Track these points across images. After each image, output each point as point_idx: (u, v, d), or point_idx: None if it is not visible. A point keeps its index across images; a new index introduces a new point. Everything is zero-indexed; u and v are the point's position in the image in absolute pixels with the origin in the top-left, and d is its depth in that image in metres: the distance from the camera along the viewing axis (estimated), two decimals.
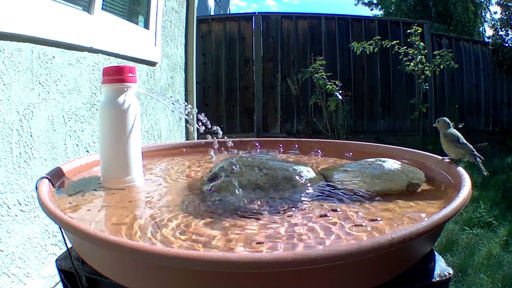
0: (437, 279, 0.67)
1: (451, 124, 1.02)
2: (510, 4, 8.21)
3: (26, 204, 1.49)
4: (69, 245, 0.72)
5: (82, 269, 0.71)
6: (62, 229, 0.67)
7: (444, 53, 5.72)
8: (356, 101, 6.37)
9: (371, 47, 5.76)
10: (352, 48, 5.95)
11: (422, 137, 5.60)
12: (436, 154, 1.02)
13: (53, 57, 1.66)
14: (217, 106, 6.51)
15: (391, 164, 0.94)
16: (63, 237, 0.70)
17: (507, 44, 7.01)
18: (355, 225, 0.67)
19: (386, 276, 0.60)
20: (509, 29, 7.77)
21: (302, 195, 0.82)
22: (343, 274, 0.55)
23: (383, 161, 0.95)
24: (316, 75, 5.52)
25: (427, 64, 5.60)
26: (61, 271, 0.74)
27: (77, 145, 1.81)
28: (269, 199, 0.79)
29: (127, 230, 0.66)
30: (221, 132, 0.91)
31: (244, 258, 0.50)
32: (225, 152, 0.96)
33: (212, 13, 10.27)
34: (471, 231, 2.75)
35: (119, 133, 0.90)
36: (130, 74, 0.90)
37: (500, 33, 7.92)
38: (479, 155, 0.96)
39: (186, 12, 3.25)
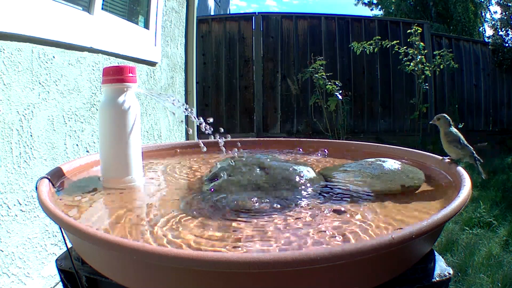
0: (437, 279, 0.67)
1: (451, 121, 1.02)
2: (510, 4, 8.21)
3: (26, 204, 1.49)
4: (69, 245, 0.72)
5: (82, 269, 0.71)
6: (62, 229, 0.67)
7: (444, 53, 5.72)
8: (356, 101, 6.37)
9: (371, 47, 5.76)
10: (352, 48, 5.95)
11: (422, 137, 5.60)
12: (436, 154, 1.02)
13: (53, 57, 1.66)
14: (217, 106, 6.51)
15: (391, 164, 0.94)
16: (63, 237, 0.70)
17: (507, 44, 7.01)
18: (355, 225, 0.67)
19: (386, 276, 0.60)
20: (509, 29, 7.77)
21: (302, 195, 0.82)
22: (343, 274, 0.55)
23: (383, 161, 0.95)
24: (316, 75, 5.52)
25: (427, 64, 5.61)
26: (61, 271, 0.74)
27: (77, 145, 1.81)
28: (269, 199, 0.79)
29: (127, 230, 0.66)
30: (228, 136, 0.91)
31: (244, 258, 0.50)
32: (225, 152, 0.97)
33: (212, 13, 10.28)
34: (471, 231, 2.75)
35: (119, 133, 0.90)
36: (130, 74, 0.90)
37: (500, 33, 7.93)
38: (478, 157, 0.96)
39: (186, 12, 3.25)
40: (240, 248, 0.60)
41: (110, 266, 0.62)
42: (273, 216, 0.72)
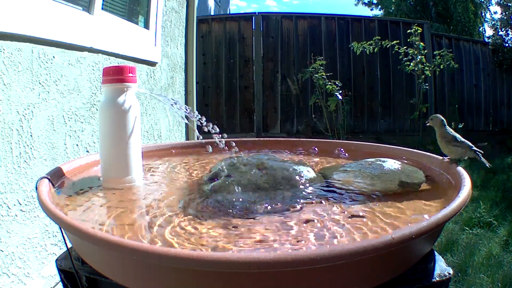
0: (437, 279, 0.67)
1: (445, 121, 1.01)
2: (510, 4, 8.21)
3: (26, 204, 1.49)
4: (69, 245, 0.72)
5: (82, 269, 0.71)
6: (62, 229, 0.67)
7: (444, 53, 5.72)
8: (356, 101, 6.37)
9: (371, 47, 5.76)
10: (352, 48, 5.95)
11: (422, 137, 5.60)
12: (436, 154, 1.02)
13: (53, 57, 1.65)
14: (217, 106, 6.51)
15: (391, 164, 0.94)
16: (63, 237, 0.70)
17: (507, 44, 7.01)
18: (355, 225, 0.67)
19: (386, 276, 0.60)
20: (509, 29, 7.77)
21: (302, 195, 0.82)
22: (343, 274, 0.55)
23: (383, 161, 0.95)
24: (316, 75, 5.52)
25: (427, 64, 5.61)
26: (61, 271, 0.74)
27: (77, 145, 1.81)
28: (269, 199, 0.79)
29: (127, 230, 0.66)
30: (225, 135, 0.91)
31: (244, 258, 0.50)
32: (225, 152, 0.97)
33: (212, 13, 10.27)
34: (471, 231, 2.75)
35: (119, 133, 0.90)
36: (130, 74, 0.90)
37: (500, 33, 7.93)
38: (478, 150, 0.95)
39: (186, 12, 3.25)
40: (240, 248, 0.60)
41: (110, 266, 0.62)
42: (272, 216, 0.72)
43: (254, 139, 1.35)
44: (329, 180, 0.91)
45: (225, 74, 6.51)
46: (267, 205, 0.76)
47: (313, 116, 6.28)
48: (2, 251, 1.38)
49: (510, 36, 7.62)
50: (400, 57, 5.66)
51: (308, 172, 0.91)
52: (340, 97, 5.35)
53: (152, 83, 2.64)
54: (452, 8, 10.62)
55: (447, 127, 1.00)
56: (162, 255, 0.51)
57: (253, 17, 6.56)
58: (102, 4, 2.07)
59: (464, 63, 6.63)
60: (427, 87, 5.65)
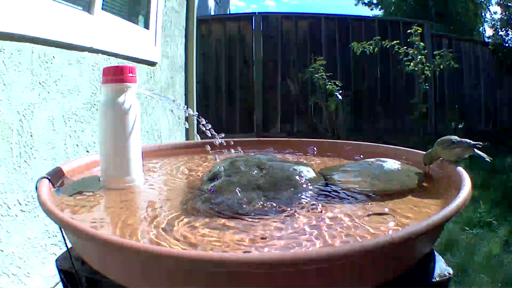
0: (437, 279, 0.67)
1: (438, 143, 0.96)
2: (510, 4, 8.20)
3: (26, 204, 1.49)
4: (69, 245, 0.72)
5: (82, 269, 0.71)
6: (62, 229, 0.67)
7: (445, 53, 5.71)
8: (356, 101, 6.36)
9: (371, 47, 5.76)
10: (352, 48, 5.94)
11: (422, 137, 5.60)
12: None
13: (53, 57, 1.65)
14: (217, 106, 6.50)
15: (391, 164, 0.94)
16: (63, 237, 0.70)
17: (507, 44, 7.01)
18: (355, 225, 0.67)
19: (386, 276, 0.60)
20: (509, 29, 7.77)
21: (302, 195, 0.82)
22: (343, 274, 0.55)
23: (383, 161, 0.95)
24: (316, 75, 5.52)
25: (427, 64, 5.60)
26: (61, 271, 0.74)
27: (77, 145, 1.81)
28: (269, 199, 0.79)
29: (127, 230, 0.66)
30: (222, 135, 0.91)
31: (244, 258, 0.50)
32: (225, 152, 0.97)
33: (212, 13, 10.26)
34: (471, 231, 2.75)
35: (119, 133, 0.90)
36: (130, 74, 0.90)
37: (500, 33, 7.92)
38: (476, 142, 0.91)
39: (186, 12, 3.25)
40: (240, 249, 0.60)
41: (110, 266, 0.62)
42: (272, 216, 0.72)
43: (254, 139, 1.35)
44: (329, 180, 0.91)
45: (225, 74, 6.51)
46: (267, 205, 0.76)
47: (313, 116, 6.28)
48: (2, 251, 1.38)
49: (510, 36, 7.62)
50: (400, 57, 5.66)
51: (308, 172, 0.91)
52: (340, 97, 5.35)
53: (152, 83, 2.64)
54: (452, 8, 10.61)
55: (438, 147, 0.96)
56: (163, 255, 0.51)
57: (253, 17, 6.56)
58: (102, 4, 2.07)
59: (464, 63, 6.62)
60: (427, 87, 5.64)
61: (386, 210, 0.73)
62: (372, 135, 6.27)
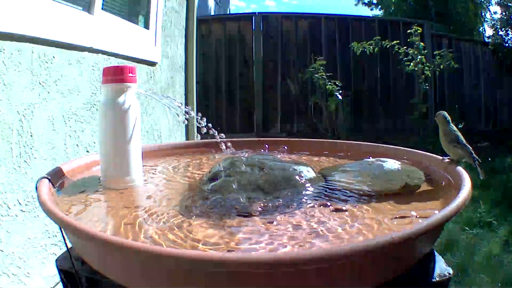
0: (437, 279, 0.67)
1: (450, 119, 1.00)
2: (510, 4, 8.21)
3: (26, 204, 1.49)
4: (69, 245, 0.72)
5: (82, 269, 0.71)
6: (62, 229, 0.67)
7: (445, 53, 5.72)
8: (356, 101, 6.36)
9: (371, 47, 5.76)
10: (352, 48, 5.94)
11: (422, 137, 5.60)
12: (436, 154, 1.02)
13: (53, 57, 1.65)
14: (217, 106, 6.50)
15: (391, 164, 0.94)
16: (63, 237, 0.70)
17: (507, 44, 7.01)
18: (355, 225, 0.67)
19: (386, 276, 0.60)
20: (509, 29, 7.77)
21: (302, 195, 0.82)
22: (343, 274, 0.55)
23: (383, 161, 0.95)
24: (316, 75, 5.52)
25: (427, 64, 5.61)
26: (61, 271, 0.74)
27: (77, 145, 1.81)
28: (269, 199, 0.79)
29: (127, 230, 0.66)
30: (223, 135, 0.91)
31: (244, 258, 0.50)
32: (225, 152, 0.97)
33: (212, 13, 10.26)
34: (471, 231, 2.75)
35: (119, 133, 0.90)
36: (130, 74, 0.90)
37: (500, 33, 7.92)
38: (477, 158, 0.95)
39: (186, 12, 3.25)
40: (239, 248, 0.60)
41: (110, 266, 0.62)
42: (272, 216, 0.72)
43: (254, 139, 1.35)
44: (329, 180, 0.91)
45: (225, 74, 6.51)
46: (267, 205, 0.76)
47: (313, 116, 6.28)
48: (2, 251, 1.38)
49: (510, 36, 7.62)
50: (400, 57, 5.66)
51: (308, 172, 0.91)
52: (340, 97, 5.35)
53: (152, 83, 2.64)
54: (452, 8, 10.61)
55: (451, 125, 0.99)
56: (163, 255, 0.51)
57: (253, 17, 6.56)
58: (102, 4, 2.07)
59: (464, 63, 6.62)
60: (427, 87, 5.65)
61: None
62: (372, 135, 6.27)
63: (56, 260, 0.76)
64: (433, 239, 0.73)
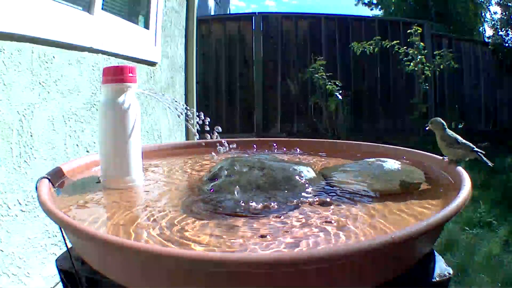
0: (437, 279, 0.67)
1: (445, 125, 1.00)
2: (510, 4, 8.21)
3: (26, 204, 1.49)
4: (69, 245, 0.72)
5: (82, 269, 0.71)
6: (62, 229, 0.67)
7: (445, 53, 5.72)
8: (356, 101, 6.36)
9: (371, 47, 5.76)
10: (352, 48, 5.94)
11: (422, 137, 5.60)
12: (436, 154, 1.02)
13: (53, 57, 1.65)
14: (217, 106, 6.50)
15: (391, 164, 0.94)
16: (63, 237, 0.70)
17: (507, 44, 7.01)
18: (355, 225, 0.67)
19: (386, 276, 0.60)
20: (509, 29, 7.77)
21: (302, 195, 0.82)
22: (343, 274, 0.55)
23: (383, 161, 0.95)
24: (316, 75, 5.52)
25: (427, 64, 5.61)
26: (61, 271, 0.74)
27: (77, 145, 1.81)
28: (269, 199, 0.79)
29: (127, 230, 0.66)
30: (219, 128, 0.91)
31: (244, 258, 0.50)
32: (225, 152, 0.97)
33: (212, 13, 10.26)
34: (471, 231, 2.75)
35: (119, 133, 0.90)
36: (130, 74, 0.90)
37: (500, 33, 7.93)
38: (479, 150, 0.94)
39: (186, 12, 3.25)
40: (239, 249, 0.60)
41: (110, 266, 0.62)
42: (273, 216, 0.72)
43: (254, 139, 1.35)
44: (329, 180, 0.91)
45: (225, 74, 6.51)
46: (267, 205, 0.76)
47: (313, 116, 6.27)
48: (2, 251, 1.38)
49: (510, 36, 7.62)
50: (400, 57, 5.66)
51: (308, 172, 0.91)
52: (340, 97, 5.35)
53: (152, 83, 2.64)
54: (452, 8, 10.61)
55: (448, 130, 0.99)
56: (163, 255, 0.51)
57: (253, 17, 6.56)
58: (102, 4, 2.07)
59: (464, 63, 6.62)
60: (427, 87, 5.65)
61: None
62: (372, 135, 6.27)
63: (56, 260, 0.76)
64: (433, 239, 0.73)
